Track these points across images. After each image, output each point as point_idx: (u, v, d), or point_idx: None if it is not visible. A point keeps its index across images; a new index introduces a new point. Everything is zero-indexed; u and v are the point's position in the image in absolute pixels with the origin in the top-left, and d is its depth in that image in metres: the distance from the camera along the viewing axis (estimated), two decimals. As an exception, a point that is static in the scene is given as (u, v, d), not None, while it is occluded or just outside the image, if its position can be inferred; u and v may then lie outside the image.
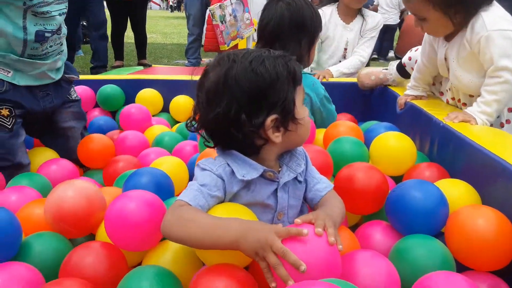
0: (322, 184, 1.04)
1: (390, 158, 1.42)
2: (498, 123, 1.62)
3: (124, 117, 2.07)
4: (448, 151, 1.41)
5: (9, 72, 1.57)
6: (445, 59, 1.63)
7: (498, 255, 0.98)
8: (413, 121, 1.73)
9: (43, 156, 1.70)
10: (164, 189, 1.29)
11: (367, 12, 2.63)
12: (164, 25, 13.97)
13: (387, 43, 7.05)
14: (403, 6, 6.69)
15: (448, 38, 1.59)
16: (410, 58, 2.00)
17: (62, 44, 1.71)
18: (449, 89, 1.72)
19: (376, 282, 0.85)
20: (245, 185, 0.93)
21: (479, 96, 1.51)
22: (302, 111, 0.95)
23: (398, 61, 2.13)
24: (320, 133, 1.66)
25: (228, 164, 0.93)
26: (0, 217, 0.99)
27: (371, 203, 1.19)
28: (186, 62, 5.28)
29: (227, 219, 0.84)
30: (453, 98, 1.72)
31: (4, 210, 1.02)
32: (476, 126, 1.43)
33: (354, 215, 1.28)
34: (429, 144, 1.56)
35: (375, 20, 2.59)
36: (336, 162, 1.38)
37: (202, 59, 5.50)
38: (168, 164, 1.50)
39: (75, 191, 1.13)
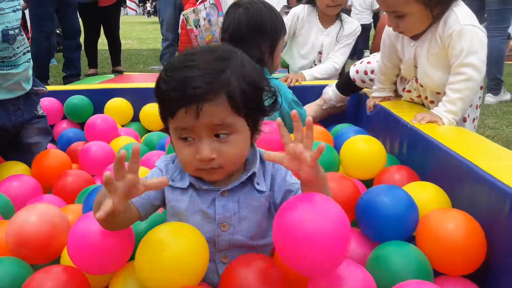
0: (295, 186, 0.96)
1: (360, 161, 1.41)
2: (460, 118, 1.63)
3: (89, 128, 2.01)
4: (417, 153, 1.41)
5: None
6: (414, 58, 1.63)
7: (469, 259, 0.98)
8: (382, 124, 1.73)
9: (14, 170, 1.65)
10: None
11: (346, 18, 2.62)
12: (140, 31, 13.84)
13: (361, 42, 7.14)
14: (375, 7, 6.96)
15: (416, 37, 1.59)
16: (357, 71, 1.99)
17: (28, 50, 1.67)
18: (415, 88, 1.72)
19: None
20: (180, 190, 0.95)
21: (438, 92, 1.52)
22: (176, 145, 0.91)
23: (333, 83, 2.13)
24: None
25: (173, 161, 0.97)
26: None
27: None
28: (162, 67, 5.22)
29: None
30: (418, 96, 1.72)
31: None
32: (443, 127, 1.42)
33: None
34: (398, 146, 1.56)
35: (352, 27, 2.58)
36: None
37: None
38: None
39: (38, 216, 1.09)
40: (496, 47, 3.59)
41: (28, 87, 1.69)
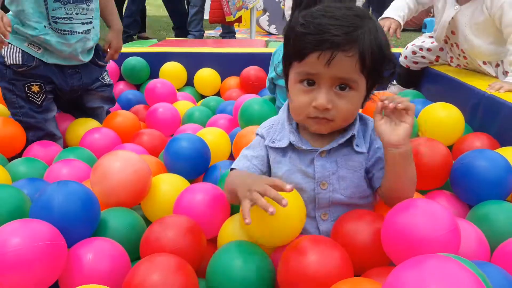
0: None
1: (440, 128, 1.43)
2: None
3: (149, 92, 2.05)
4: (495, 121, 1.42)
5: (39, 49, 1.58)
6: (452, 21, 1.68)
7: None
8: (452, 92, 1.73)
9: (88, 126, 1.70)
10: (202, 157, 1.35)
11: None
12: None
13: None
14: None
15: (461, 1, 1.62)
16: (406, 57, 2.05)
17: (91, 20, 1.67)
18: (459, 55, 1.79)
19: (467, 248, 0.87)
20: (280, 150, 0.98)
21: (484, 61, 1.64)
22: (293, 89, 0.93)
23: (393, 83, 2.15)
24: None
25: (272, 126, 1.02)
26: (79, 191, 0.98)
27: (437, 178, 1.20)
28: (189, 35, 5.17)
29: (245, 175, 0.95)
30: (465, 65, 1.81)
31: (80, 185, 1.01)
32: None
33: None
34: (473, 115, 1.56)
35: None
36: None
37: (205, 31, 5.41)
38: (211, 135, 1.50)
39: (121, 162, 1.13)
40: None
41: (86, 59, 1.70)
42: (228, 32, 5.17)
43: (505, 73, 1.69)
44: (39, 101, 1.61)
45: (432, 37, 1.96)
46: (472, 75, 1.76)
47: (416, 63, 2.04)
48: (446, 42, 1.86)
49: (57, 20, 1.56)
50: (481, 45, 1.62)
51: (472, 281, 0.55)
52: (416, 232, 0.77)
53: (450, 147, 1.44)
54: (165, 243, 0.94)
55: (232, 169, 1.03)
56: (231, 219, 1.05)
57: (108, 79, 1.85)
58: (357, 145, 0.98)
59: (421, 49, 1.99)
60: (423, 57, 2.01)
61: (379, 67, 0.92)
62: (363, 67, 0.88)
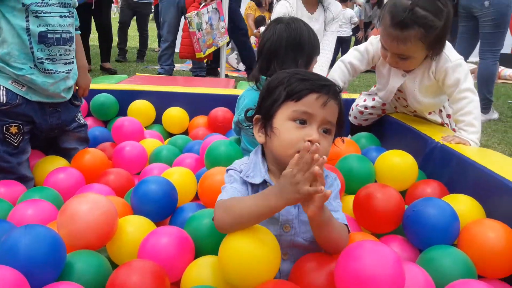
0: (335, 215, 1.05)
1: (394, 174, 1.53)
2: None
3: (116, 130, 2.06)
4: (445, 169, 1.53)
5: (23, 86, 1.60)
6: (401, 87, 1.85)
7: (507, 264, 1.11)
8: (407, 141, 1.85)
9: (55, 165, 1.71)
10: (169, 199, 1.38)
11: (327, 1, 2.63)
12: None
13: (342, 54, 7.39)
14: (354, 20, 7.70)
15: (408, 70, 1.79)
16: (355, 117, 2.19)
17: (73, 60, 1.73)
18: (405, 106, 1.98)
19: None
20: (253, 187, 1.05)
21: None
22: (282, 125, 1.01)
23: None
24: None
25: (244, 165, 1.08)
26: (47, 235, 1.00)
27: (390, 222, 1.28)
28: (159, 68, 5.24)
29: (260, 193, 0.96)
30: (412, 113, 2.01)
31: (48, 229, 1.03)
32: (470, 147, 1.57)
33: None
34: (425, 163, 1.67)
35: (336, 9, 2.63)
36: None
37: (176, 65, 5.50)
38: (177, 175, 1.53)
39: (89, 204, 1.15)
40: (488, 69, 3.81)
41: (68, 96, 1.74)
42: (198, 68, 5.27)
43: (448, 116, 1.92)
44: (16, 143, 1.62)
45: (371, 94, 2.11)
46: (426, 124, 1.89)
47: (366, 120, 2.17)
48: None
49: (42, 60, 1.60)
50: (429, 102, 1.82)
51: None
52: (364, 271, 0.86)
53: (404, 192, 1.54)
54: (130, 287, 0.96)
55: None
56: (195, 263, 1.09)
57: (83, 120, 1.89)
58: None
59: (366, 107, 2.12)
60: (370, 113, 2.13)
61: (342, 122, 1.06)
62: (339, 117, 1.03)
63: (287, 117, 1.00)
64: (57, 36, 1.62)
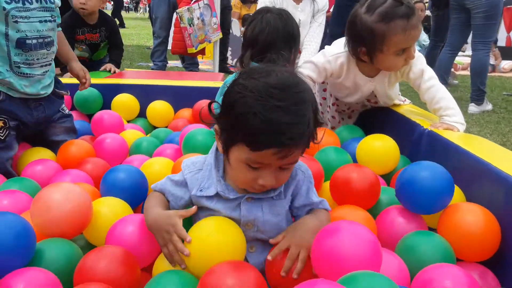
0: (309, 207, 1.07)
1: (375, 158, 1.52)
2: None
3: (96, 123, 2.04)
4: (431, 155, 1.51)
5: (4, 85, 1.60)
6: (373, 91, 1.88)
7: (485, 247, 1.10)
8: (395, 128, 1.84)
9: (40, 156, 1.71)
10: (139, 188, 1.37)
11: None
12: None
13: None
14: None
15: (372, 75, 1.81)
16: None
17: (50, 62, 1.74)
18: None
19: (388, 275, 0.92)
20: (206, 197, 1.03)
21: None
22: (236, 164, 0.94)
23: None
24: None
25: (200, 171, 1.05)
26: (15, 222, 0.99)
27: (367, 200, 1.29)
28: (152, 65, 5.21)
29: (155, 209, 1.05)
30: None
31: (16, 216, 1.01)
32: (458, 133, 1.54)
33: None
34: (412, 149, 1.66)
35: (323, 1, 2.64)
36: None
37: (169, 62, 5.47)
38: (158, 165, 1.52)
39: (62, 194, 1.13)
40: (480, 60, 3.80)
41: (48, 91, 1.74)
42: (192, 63, 5.25)
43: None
44: (2, 137, 1.62)
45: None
46: (413, 111, 1.88)
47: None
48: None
49: (19, 65, 1.60)
50: (395, 92, 1.92)
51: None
52: (340, 251, 0.84)
53: (388, 177, 1.53)
54: (98, 272, 0.95)
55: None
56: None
57: (67, 110, 1.89)
58: (281, 192, 1.03)
59: (333, 117, 2.13)
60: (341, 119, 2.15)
61: (315, 133, 0.96)
62: (306, 147, 0.95)
63: (240, 160, 0.92)
64: (35, 41, 1.62)
